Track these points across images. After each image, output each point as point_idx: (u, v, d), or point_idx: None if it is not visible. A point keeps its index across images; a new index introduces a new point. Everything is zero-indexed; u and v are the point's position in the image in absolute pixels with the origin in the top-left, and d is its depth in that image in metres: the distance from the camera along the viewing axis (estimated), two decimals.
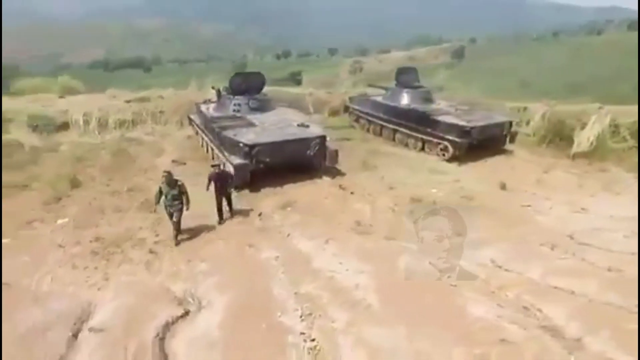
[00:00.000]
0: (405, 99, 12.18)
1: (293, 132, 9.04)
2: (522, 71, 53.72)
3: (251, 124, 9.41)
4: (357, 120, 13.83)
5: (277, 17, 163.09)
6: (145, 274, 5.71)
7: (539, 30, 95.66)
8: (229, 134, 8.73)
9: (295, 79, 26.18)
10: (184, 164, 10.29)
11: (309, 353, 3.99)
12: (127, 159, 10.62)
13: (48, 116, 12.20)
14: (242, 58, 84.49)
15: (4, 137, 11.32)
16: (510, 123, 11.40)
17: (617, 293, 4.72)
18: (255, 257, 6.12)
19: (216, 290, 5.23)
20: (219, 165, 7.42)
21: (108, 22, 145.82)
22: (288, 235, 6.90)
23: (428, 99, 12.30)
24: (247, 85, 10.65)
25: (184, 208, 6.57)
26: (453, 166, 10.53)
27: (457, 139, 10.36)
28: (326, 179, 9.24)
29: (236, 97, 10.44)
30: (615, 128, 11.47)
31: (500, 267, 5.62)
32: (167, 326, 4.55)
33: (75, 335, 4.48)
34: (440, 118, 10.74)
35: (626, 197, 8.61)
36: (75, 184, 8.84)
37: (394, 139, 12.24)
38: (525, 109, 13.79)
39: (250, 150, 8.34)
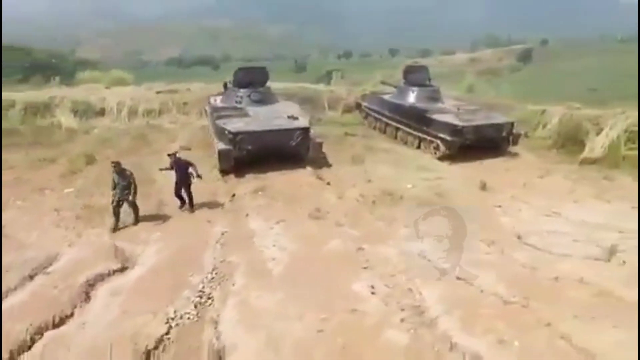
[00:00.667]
0: (410, 98, 12.25)
1: (278, 123, 9.62)
2: (593, 75, 49.53)
3: (245, 115, 10.15)
4: (366, 118, 14.09)
5: (341, 17, 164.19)
6: (109, 237, 6.61)
7: (629, 32, 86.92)
8: (220, 122, 9.53)
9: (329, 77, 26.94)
10: (189, 149, 11.28)
11: (195, 307, 4.56)
12: (144, 142, 11.86)
13: (89, 103, 13.90)
14: (305, 57, 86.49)
15: (49, 119, 13.16)
16: (512, 124, 11.03)
17: (511, 288, 4.75)
18: (206, 231, 6.80)
19: (155, 253, 5.98)
20: (174, 154, 7.70)
21: (183, 23, 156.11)
22: (247, 215, 7.51)
23: (434, 98, 12.25)
24: (251, 79, 11.43)
25: (131, 198, 6.94)
26: (444, 165, 10.49)
27: (448, 138, 10.31)
28: (309, 169, 9.70)
29: (240, 90, 11.24)
30: (632, 134, 10.65)
31: (421, 256, 5.77)
32: (102, 276, 5.36)
33: (31, 277, 5.43)
34: (435, 116, 10.73)
35: (615, 205, 8.12)
36: (90, 161, 10.15)
37: (396, 137, 12.37)
38: (543, 111, 13.17)
39: (234, 137, 9.06)
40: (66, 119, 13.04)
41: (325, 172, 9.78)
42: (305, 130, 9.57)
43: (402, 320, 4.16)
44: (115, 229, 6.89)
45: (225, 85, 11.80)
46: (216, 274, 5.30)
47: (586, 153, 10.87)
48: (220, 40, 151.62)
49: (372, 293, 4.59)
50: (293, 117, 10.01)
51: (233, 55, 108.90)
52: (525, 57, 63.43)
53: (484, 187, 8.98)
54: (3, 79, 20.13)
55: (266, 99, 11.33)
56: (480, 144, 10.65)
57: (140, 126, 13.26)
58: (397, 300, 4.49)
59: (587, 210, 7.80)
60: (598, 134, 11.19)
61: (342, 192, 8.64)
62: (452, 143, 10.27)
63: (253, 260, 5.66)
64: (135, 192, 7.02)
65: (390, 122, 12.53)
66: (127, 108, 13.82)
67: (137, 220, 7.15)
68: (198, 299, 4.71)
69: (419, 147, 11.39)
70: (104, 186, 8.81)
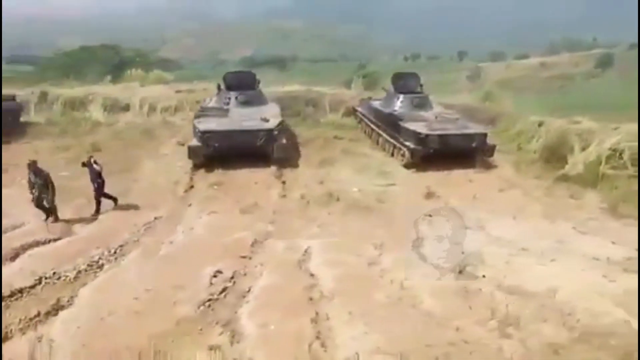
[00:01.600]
0: (394, 105, 12.45)
1: (246, 124, 10.48)
2: None
3: (225, 115, 11.16)
4: (360, 122, 14.44)
5: (411, 18, 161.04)
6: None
7: None
8: (195, 121, 10.64)
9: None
10: (183, 144, 12.56)
11: (80, 272, 5.57)
12: (149, 137, 13.38)
13: (118, 100, 15.85)
14: (370, 59, 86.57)
15: (83, 113, 15.26)
16: (485, 135, 10.81)
17: (345, 282, 5.16)
18: (144, 216, 7.85)
19: (88, 229, 7.16)
20: (89, 160, 8.19)
21: (259, 23, 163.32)
22: (189, 205, 8.48)
23: (419, 105, 12.32)
24: (239, 82, 12.44)
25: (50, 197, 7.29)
26: (408, 172, 10.63)
27: (412, 145, 10.45)
28: (273, 169, 10.42)
29: (230, 92, 12.29)
30: (614, 152, 9.96)
31: (297, 251, 6.29)
32: (37, 242, 6.59)
33: None
34: (405, 124, 10.88)
35: (556, 224, 7.86)
36: (96, 149, 11.78)
37: (377, 142, 12.64)
38: (541, 123, 12.59)
39: (202, 135, 10.09)
40: (96, 113, 15.04)
41: (287, 172, 10.46)
42: (269, 132, 10.31)
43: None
44: (56, 219, 7.44)
45: (218, 87, 12.91)
46: (119, 250, 6.29)
47: (565, 170, 10.36)
48: (291, 40, 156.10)
49: (214, 276, 5.29)
50: (264, 119, 10.81)
51: (301, 56, 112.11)
52: (605, 62, 57.86)
53: (429, 196, 9.10)
54: (92, 76, 23.20)
55: (252, 100, 12.26)
56: (448, 153, 10.61)
57: (155, 122, 14.85)
58: (232, 284, 5.16)
59: (517, 228, 7.66)
60: (584, 149, 10.59)
61: (289, 191, 9.30)
62: (415, 151, 10.40)
63: (156, 242, 6.59)
64: (53, 193, 7.32)
65: (374, 127, 12.82)
66: (148, 105, 15.55)
67: (57, 218, 7.44)
68: (87, 266, 5.73)
69: (393, 154, 11.59)
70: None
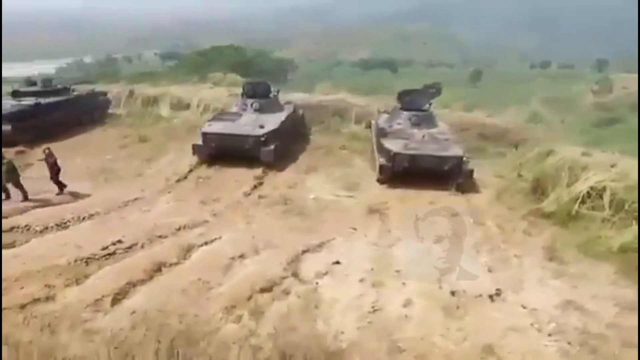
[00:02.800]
0: (393, 120, 12.88)
1: (241, 130, 12.14)
2: None
3: (233, 120, 12.99)
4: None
5: (548, 22, 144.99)
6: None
7: None
8: (206, 123, 12.70)
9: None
10: None
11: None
12: (191, 132, 15.92)
13: (182, 99, 18.97)
14: (489, 65, 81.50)
15: (154, 109, 18.66)
16: (460, 159, 10.67)
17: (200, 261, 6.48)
18: (127, 196, 10.00)
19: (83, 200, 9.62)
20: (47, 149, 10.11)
21: (380, 26, 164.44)
22: (169, 192, 10.47)
23: (417, 123, 12.52)
24: (255, 91, 14.19)
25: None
26: (379, 187, 11.12)
27: (383, 162, 10.94)
28: (258, 170, 11.89)
29: (247, 99, 14.12)
30: (594, 191, 9.10)
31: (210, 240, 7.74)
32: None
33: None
34: (385, 140, 11.38)
35: (466, 254, 7.84)
36: (143, 140, 14.69)
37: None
38: (549, 152, 11.73)
39: (203, 136, 12.07)
40: (163, 110, 18.33)
41: (271, 175, 11.84)
42: (257, 138, 11.82)
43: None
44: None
45: (242, 94, 14.79)
46: (87, 216, 8.53)
47: (543, 204, 9.78)
48: (411, 43, 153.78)
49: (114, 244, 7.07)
50: (260, 126, 12.37)
51: (418, 59, 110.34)
52: None
53: (372, 212, 9.61)
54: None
55: (266, 108, 13.86)
56: (420, 173, 10.83)
57: (204, 119, 17.51)
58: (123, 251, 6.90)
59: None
60: (570, 185, 9.82)
61: (256, 191, 10.71)
62: (384, 167, 10.87)
63: (117, 216, 8.68)
64: (17, 175, 9.27)
65: (374, 141, 13.39)
66: (203, 105, 18.32)
67: (26, 197, 9.34)
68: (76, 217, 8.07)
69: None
70: (130, 158, 13.15)
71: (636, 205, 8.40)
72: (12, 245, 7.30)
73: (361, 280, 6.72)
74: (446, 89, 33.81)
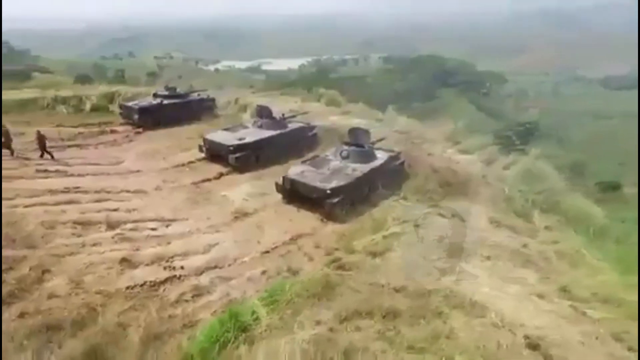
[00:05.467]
0: (330, 152, 15.76)
1: (225, 140, 17.32)
2: None
3: (235, 131, 18.31)
4: None
5: None
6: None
7: None
8: (210, 131, 18.50)
9: None
10: None
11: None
12: None
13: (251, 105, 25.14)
14: None
15: (241, 116, 25.62)
16: (325, 191, 13.01)
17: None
18: (129, 172, 16.86)
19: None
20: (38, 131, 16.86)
21: None
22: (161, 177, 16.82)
23: (347, 157, 14.96)
24: (261, 112, 19.00)
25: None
26: (278, 199, 14.60)
27: (278, 181, 14.39)
28: (227, 170, 16.99)
29: (255, 118, 19.17)
30: None
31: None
32: None
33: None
34: (294, 166, 14.73)
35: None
36: (201, 135, 21.70)
37: None
38: None
39: (203, 141, 17.92)
40: (245, 116, 25.07)
41: (232, 175, 16.75)
42: (228, 147, 16.85)
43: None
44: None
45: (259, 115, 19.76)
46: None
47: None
48: None
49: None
50: (239, 139, 17.37)
51: None
52: None
53: (237, 214, 13.50)
54: None
55: (265, 125, 18.60)
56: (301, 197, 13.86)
57: None
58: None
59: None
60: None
61: (205, 181, 15.94)
62: (277, 185, 14.32)
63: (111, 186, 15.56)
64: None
65: None
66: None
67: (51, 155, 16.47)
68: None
69: None
70: (176, 148, 20.23)
71: None
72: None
73: None
74: None
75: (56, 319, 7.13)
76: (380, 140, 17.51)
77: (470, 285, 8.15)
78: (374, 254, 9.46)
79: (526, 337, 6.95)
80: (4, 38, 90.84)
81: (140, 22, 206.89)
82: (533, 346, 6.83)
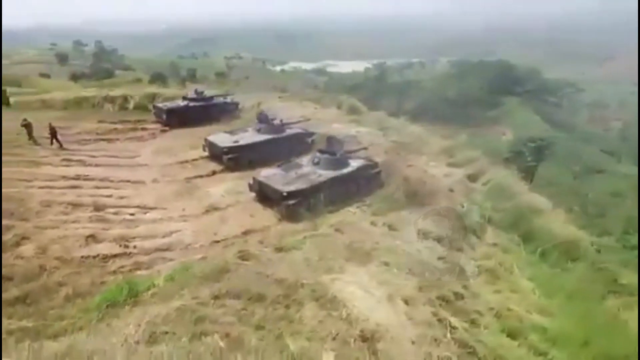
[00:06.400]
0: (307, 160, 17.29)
1: (222, 142, 19.51)
2: None
3: (235, 135, 20.49)
4: None
5: None
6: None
7: None
8: (214, 134, 20.83)
9: None
10: None
11: None
12: None
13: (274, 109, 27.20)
14: None
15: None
16: (281, 193, 14.55)
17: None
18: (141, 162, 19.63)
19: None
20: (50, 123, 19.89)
21: None
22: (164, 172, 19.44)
23: (317, 164, 16.40)
24: (261, 118, 20.94)
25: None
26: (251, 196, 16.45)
27: (250, 182, 16.22)
28: (218, 169, 19.18)
29: (257, 124, 21.19)
30: None
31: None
32: None
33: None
34: (266, 169, 16.48)
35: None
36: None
37: None
38: None
39: (205, 143, 20.28)
40: None
41: (225, 173, 18.92)
42: (222, 148, 19.02)
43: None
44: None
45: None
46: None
47: None
48: None
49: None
50: (234, 141, 19.48)
51: None
52: None
53: (210, 208, 15.51)
54: None
55: (262, 130, 20.55)
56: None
57: None
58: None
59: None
60: None
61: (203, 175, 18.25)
62: (249, 185, 16.15)
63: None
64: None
65: None
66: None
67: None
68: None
69: None
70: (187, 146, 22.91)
71: None
72: None
73: None
74: None
75: (11, 272, 9.59)
76: (361, 149, 18.67)
77: (342, 284, 9.30)
78: (280, 250, 10.92)
79: (361, 330, 8.06)
80: (97, 38, 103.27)
81: (218, 24, 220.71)
82: (363, 339, 7.94)
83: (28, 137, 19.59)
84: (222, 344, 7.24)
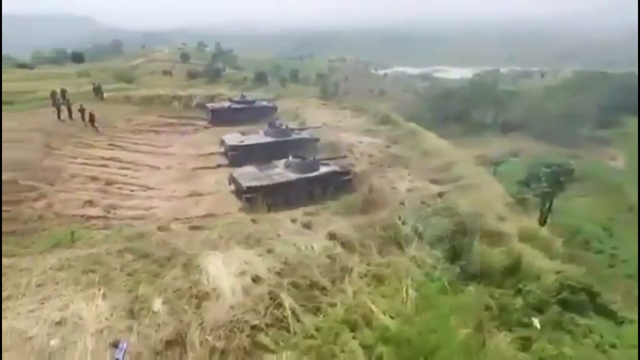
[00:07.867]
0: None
1: (231, 142, 23.21)
2: None
3: (245, 135, 24.10)
4: None
5: None
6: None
7: None
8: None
9: None
10: None
11: None
12: None
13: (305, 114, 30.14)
14: None
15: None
16: (248, 188, 17.56)
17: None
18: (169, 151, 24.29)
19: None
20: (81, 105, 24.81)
21: None
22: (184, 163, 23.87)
23: (290, 166, 19.16)
24: (270, 123, 24.16)
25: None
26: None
27: (228, 176, 19.59)
28: (224, 163, 22.93)
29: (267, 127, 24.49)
30: None
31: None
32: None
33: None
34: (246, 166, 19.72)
35: None
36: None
37: None
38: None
39: (220, 141, 24.24)
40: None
41: (228, 168, 22.64)
42: (230, 146, 22.74)
43: None
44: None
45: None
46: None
47: None
48: None
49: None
50: (240, 141, 23.09)
51: None
52: None
53: (193, 194, 19.26)
54: None
55: (268, 133, 23.85)
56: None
57: None
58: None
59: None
60: None
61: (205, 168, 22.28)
62: (229, 179, 19.53)
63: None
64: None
65: None
66: None
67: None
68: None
69: None
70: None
71: None
72: None
73: None
74: None
75: (20, 215, 14.43)
76: (339, 157, 20.85)
77: (213, 258, 12.00)
78: (196, 228, 14.12)
79: (199, 291, 10.81)
80: (215, 40, 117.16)
81: (329, 27, 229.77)
82: (196, 297, 10.70)
83: (90, 124, 25.64)
84: (97, 279, 10.75)
